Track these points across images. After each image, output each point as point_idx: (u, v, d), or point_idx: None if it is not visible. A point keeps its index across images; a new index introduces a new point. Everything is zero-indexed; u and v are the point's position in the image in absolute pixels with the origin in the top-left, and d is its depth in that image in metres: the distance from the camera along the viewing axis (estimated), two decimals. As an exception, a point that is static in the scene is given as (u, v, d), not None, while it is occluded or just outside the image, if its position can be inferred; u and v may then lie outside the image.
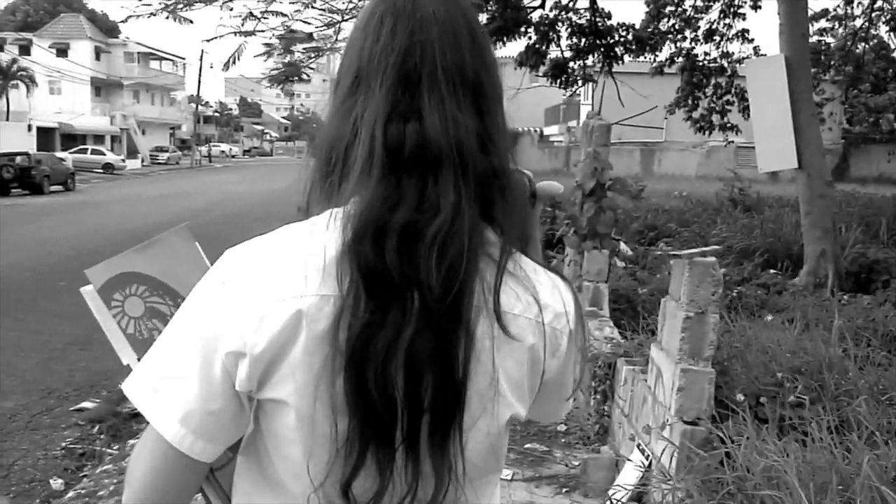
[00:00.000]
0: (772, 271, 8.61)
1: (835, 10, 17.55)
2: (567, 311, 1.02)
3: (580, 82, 14.76)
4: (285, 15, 8.08)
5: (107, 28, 60.05)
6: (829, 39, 17.83)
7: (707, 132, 15.50)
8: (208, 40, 8.33)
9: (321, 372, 0.86)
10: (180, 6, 7.58)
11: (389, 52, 0.94)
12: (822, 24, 17.81)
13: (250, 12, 7.78)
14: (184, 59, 68.70)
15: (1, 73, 47.52)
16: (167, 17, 7.54)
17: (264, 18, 7.88)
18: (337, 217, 0.92)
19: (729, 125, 14.99)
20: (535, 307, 0.97)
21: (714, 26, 14.80)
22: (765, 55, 12.27)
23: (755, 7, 14.36)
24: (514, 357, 0.94)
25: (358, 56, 0.97)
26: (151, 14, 7.50)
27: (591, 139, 5.17)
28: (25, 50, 52.44)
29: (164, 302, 1.29)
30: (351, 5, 8.91)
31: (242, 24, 7.72)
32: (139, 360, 1.01)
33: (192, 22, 7.65)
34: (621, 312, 5.56)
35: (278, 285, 0.89)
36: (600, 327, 4.78)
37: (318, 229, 0.93)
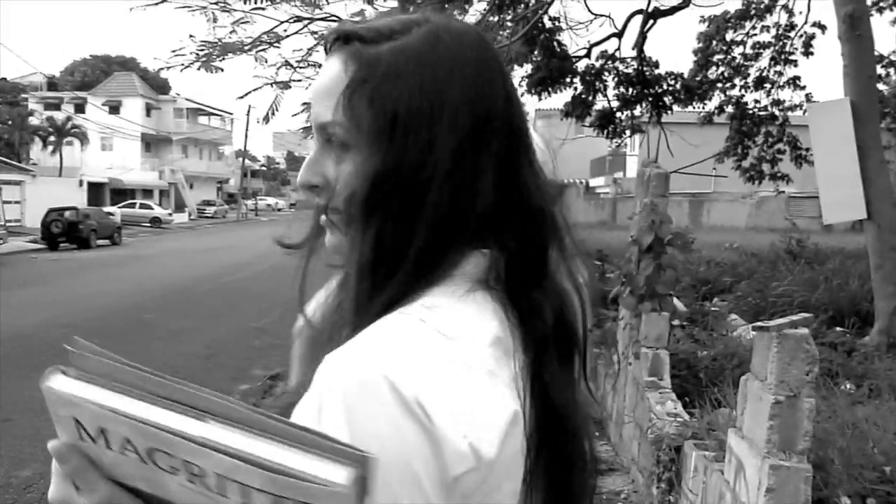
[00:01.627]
0: (839, 329, 8.03)
1: (889, 56, 16.97)
2: None
3: (628, 133, 14.41)
4: (321, 66, 7.84)
5: (157, 85, 61.51)
6: (882, 87, 17.27)
7: (757, 182, 15.01)
8: (242, 97, 8.16)
9: (521, 463, 0.80)
10: (213, 56, 7.41)
11: (515, 108, 0.91)
12: (878, 70, 17.25)
13: (286, 61, 7.56)
14: (231, 114, 70.00)
15: (56, 131, 48.82)
16: (199, 69, 7.37)
17: (300, 68, 7.68)
18: (471, 297, 0.83)
19: (780, 174, 14.48)
20: None
21: (764, 74, 14.38)
22: (817, 102, 11.79)
23: (807, 54, 13.93)
24: None
25: (488, 111, 0.87)
26: (184, 66, 7.35)
27: (648, 189, 4.73)
28: (80, 108, 53.93)
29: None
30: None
31: (277, 74, 7.52)
32: None
33: (222, 70, 7.46)
34: (682, 380, 5.04)
35: (488, 393, 0.76)
36: (662, 401, 4.26)
37: (459, 318, 0.80)
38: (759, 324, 2.51)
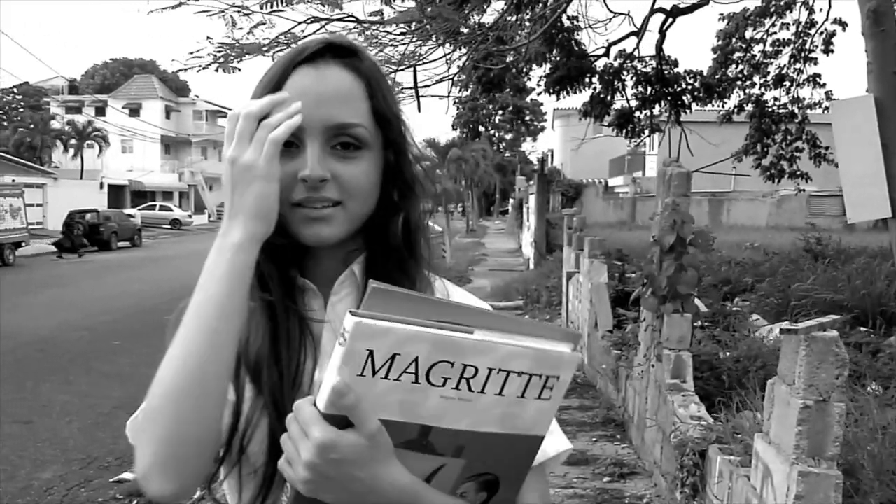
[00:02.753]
0: (863, 329, 7.91)
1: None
2: None
3: (647, 132, 14.28)
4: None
5: (176, 87, 61.89)
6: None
7: (777, 180, 14.83)
8: (256, 97, 8.09)
9: None
10: (231, 57, 7.40)
11: None
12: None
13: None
14: (250, 116, 70.16)
15: (77, 134, 49.20)
16: (216, 70, 7.36)
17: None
18: None
19: (799, 173, 14.29)
20: None
21: (784, 71, 14.19)
22: (836, 99, 11.63)
23: (827, 52, 13.73)
24: None
25: None
26: (202, 67, 7.34)
27: (669, 188, 4.66)
28: (101, 111, 54.30)
29: None
30: (403, 55, 8.68)
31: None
32: None
33: (240, 70, 7.45)
34: (704, 381, 4.96)
35: None
36: (685, 404, 4.18)
37: None
38: (787, 326, 2.45)
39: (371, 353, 0.77)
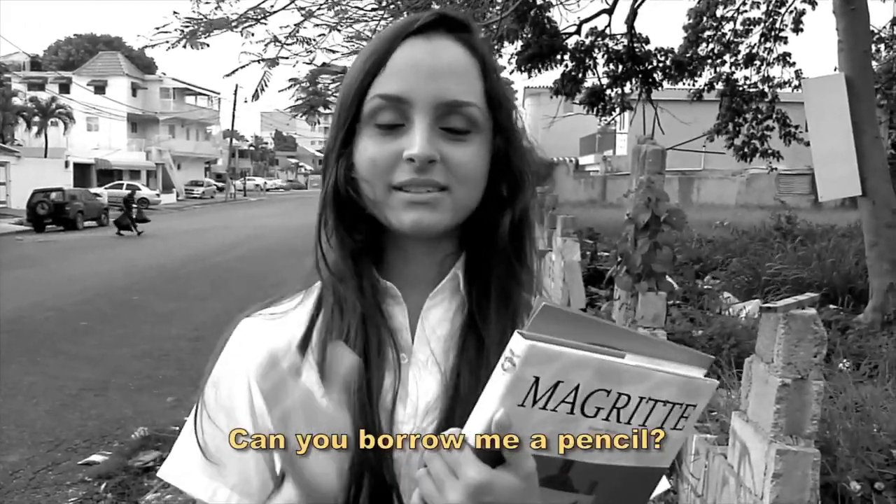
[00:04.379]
0: (832, 307, 8.01)
1: (880, 32, 16.86)
2: None
3: (618, 110, 14.30)
4: (309, 41, 7.72)
5: (143, 65, 60.93)
6: (873, 63, 17.15)
7: (749, 159, 14.92)
8: (229, 74, 8.00)
9: None
10: (199, 33, 7.26)
11: None
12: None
13: (274, 37, 7.41)
14: (218, 93, 69.42)
15: (40, 112, 48.31)
16: (184, 47, 7.22)
17: (288, 45, 7.53)
18: None
19: (770, 151, 14.40)
20: None
21: (754, 50, 14.25)
22: (806, 78, 11.70)
23: (797, 30, 13.80)
24: None
25: None
26: (170, 45, 7.19)
27: (644, 166, 4.64)
28: (65, 88, 53.36)
29: None
30: (374, 31, 8.60)
31: (265, 51, 7.39)
32: None
33: (208, 45, 7.33)
34: (678, 360, 4.97)
35: None
36: (660, 382, 4.18)
37: None
38: (766, 304, 2.43)
39: (537, 380, 0.70)
